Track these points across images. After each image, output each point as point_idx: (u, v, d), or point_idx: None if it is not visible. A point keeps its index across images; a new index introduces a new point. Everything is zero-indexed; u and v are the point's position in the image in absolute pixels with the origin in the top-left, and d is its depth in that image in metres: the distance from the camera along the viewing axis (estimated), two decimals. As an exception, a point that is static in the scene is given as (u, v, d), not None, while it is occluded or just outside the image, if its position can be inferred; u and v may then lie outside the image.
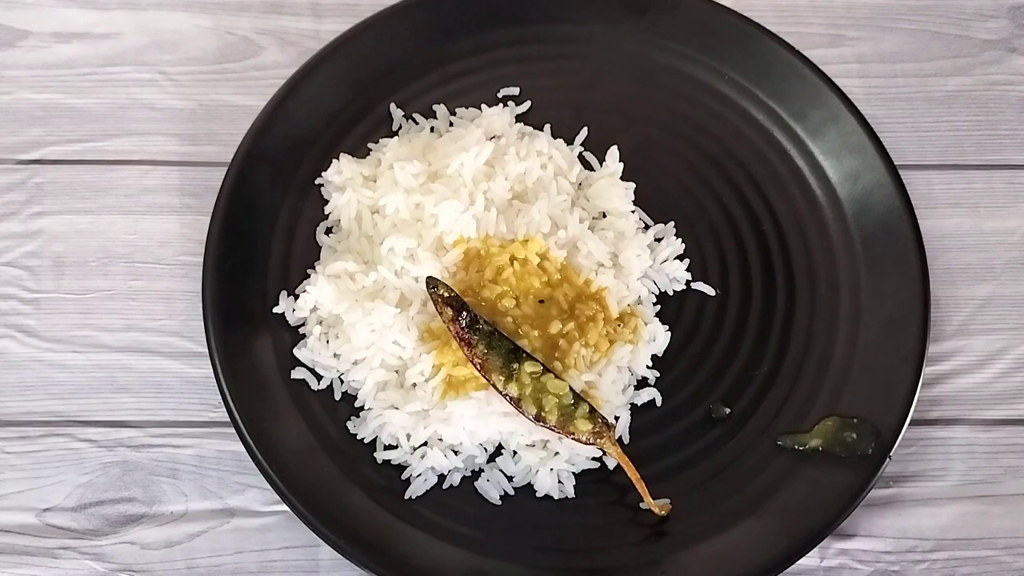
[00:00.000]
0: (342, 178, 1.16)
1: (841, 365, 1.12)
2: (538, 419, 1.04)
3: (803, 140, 1.22)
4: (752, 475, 1.08)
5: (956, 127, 1.29)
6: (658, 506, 1.05)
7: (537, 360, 1.05)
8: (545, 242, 1.11)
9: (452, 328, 1.05)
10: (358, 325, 1.07)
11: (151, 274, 1.18)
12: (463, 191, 1.11)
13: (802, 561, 1.03)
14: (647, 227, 1.19)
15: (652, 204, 1.20)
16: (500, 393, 1.04)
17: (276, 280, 1.13)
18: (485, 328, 1.05)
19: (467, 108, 1.22)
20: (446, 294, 1.06)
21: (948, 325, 1.20)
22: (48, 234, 1.19)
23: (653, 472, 1.07)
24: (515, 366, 1.04)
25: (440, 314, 1.06)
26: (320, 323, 1.10)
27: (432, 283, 1.07)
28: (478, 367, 1.04)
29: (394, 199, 1.12)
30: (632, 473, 1.05)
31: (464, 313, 1.05)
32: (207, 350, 1.06)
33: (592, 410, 1.05)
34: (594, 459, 1.09)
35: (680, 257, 1.17)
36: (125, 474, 1.10)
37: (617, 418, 1.09)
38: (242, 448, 1.04)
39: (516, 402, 1.04)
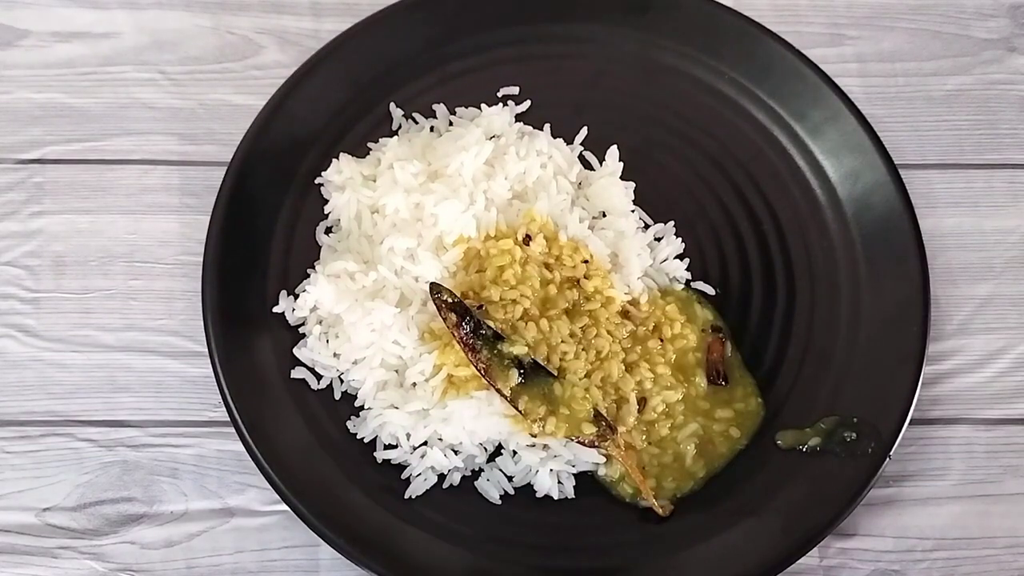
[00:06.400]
0: (342, 178, 1.16)
1: (841, 365, 1.12)
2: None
3: (803, 140, 1.22)
4: (752, 474, 1.08)
5: (956, 127, 1.29)
6: (660, 506, 1.05)
7: (544, 367, 1.05)
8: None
9: (456, 334, 1.04)
10: (358, 325, 1.07)
11: (151, 274, 1.18)
12: (463, 191, 1.11)
13: (802, 560, 1.03)
14: (647, 226, 1.19)
15: (652, 204, 1.20)
16: (505, 399, 1.04)
17: (276, 280, 1.13)
18: (488, 334, 1.05)
19: (467, 108, 1.22)
20: (449, 299, 1.06)
21: (948, 325, 1.20)
22: (48, 234, 1.19)
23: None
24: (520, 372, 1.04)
25: (444, 320, 1.05)
26: (320, 323, 1.10)
27: (435, 289, 1.06)
28: (482, 372, 1.04)
29: (394, 199, 1.12)
30: (636, 474, 1.05)
31: (468, 318, 1.05)
32: (207, 350, 1.06)
33: (596, 413, 1.05)
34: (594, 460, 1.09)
35: (680, 256, 1.18)
36: (125, 474, 1.10)
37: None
38: (242, 448, 1.04)
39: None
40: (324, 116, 1.19)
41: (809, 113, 1.21)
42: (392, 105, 1.22)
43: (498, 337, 1.05)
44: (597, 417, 1.05)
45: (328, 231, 1.17)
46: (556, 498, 1.07)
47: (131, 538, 1.07)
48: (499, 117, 1.19)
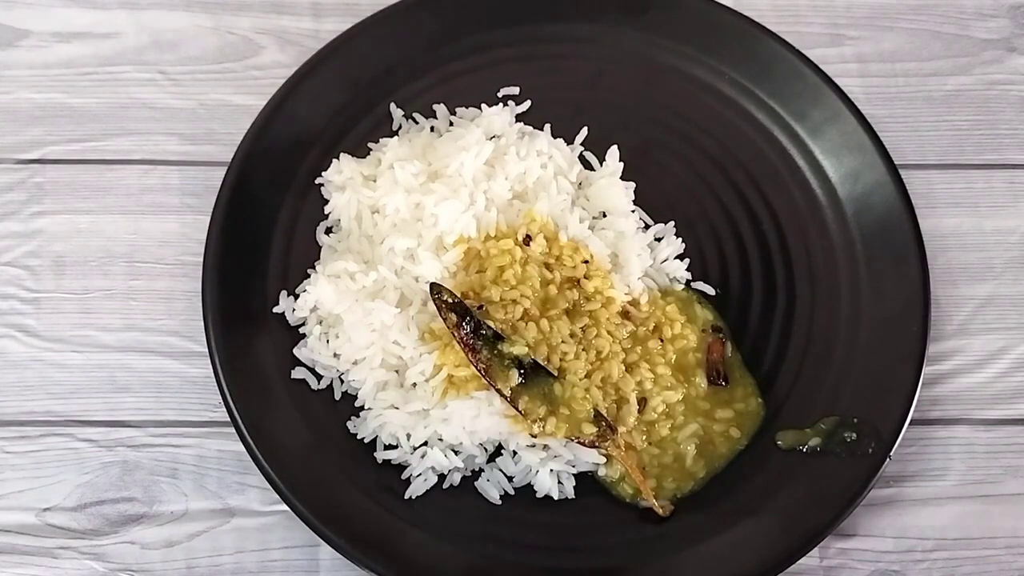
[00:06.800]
0: (342, 178, 1.16)
1: (841, 365, 1.12)
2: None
3: (803, 140, 1.22)
4: (752, 474, 1.08)
5: (956, 127, 1.29)
6: (660, 506, 1.05)
7: (544, 368, 1.05)
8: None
9: (456, 334, 1.04)
10: (358, 325, 1.07)
11: (151, 274, 1.18)
12: (463, 191, 1.11)
13: (802, 561, 1.03)
14: (647, 227, 1.19)
15: (652, 204, 1.20)
16: (505, 399, 1.04)
17: (276, 280, 1.13)
18: (489, 334, 1.05)
19: (467, 108, 1.22)
20: (449, 300, 1.06)
21: (948, 325, 1.20)
22: (48, 234, 1.19)
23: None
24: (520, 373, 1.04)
25: (444, 320, 1.05)
26: (320, 323, 1.10)
27: (436, 289, 1.06)
28: (482, 372, 1.04)
29: (394, 199, 1.12)
30: (636, 475, 1.05)
31: (468, 318, 1.05)
32: (207, 350, 1.06)
33: (596, 414, 1.05)
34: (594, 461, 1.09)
35: (680, 257, 1.18)
36: (125, 474, 1.10)
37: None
38: (242, 448, 1.04)
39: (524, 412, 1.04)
40: (324, 116, 1.19)
41: (809, 113, 1.21)
42: (392, 105, 1.22)
43: (498, 337, 1.05)
44: (597, 417, 1.05)
45: (328, 231, 1.17)
46: (556, 498, 1.07)
47: (131, 538, 1.07)
48: (499, 117, 1.19)
